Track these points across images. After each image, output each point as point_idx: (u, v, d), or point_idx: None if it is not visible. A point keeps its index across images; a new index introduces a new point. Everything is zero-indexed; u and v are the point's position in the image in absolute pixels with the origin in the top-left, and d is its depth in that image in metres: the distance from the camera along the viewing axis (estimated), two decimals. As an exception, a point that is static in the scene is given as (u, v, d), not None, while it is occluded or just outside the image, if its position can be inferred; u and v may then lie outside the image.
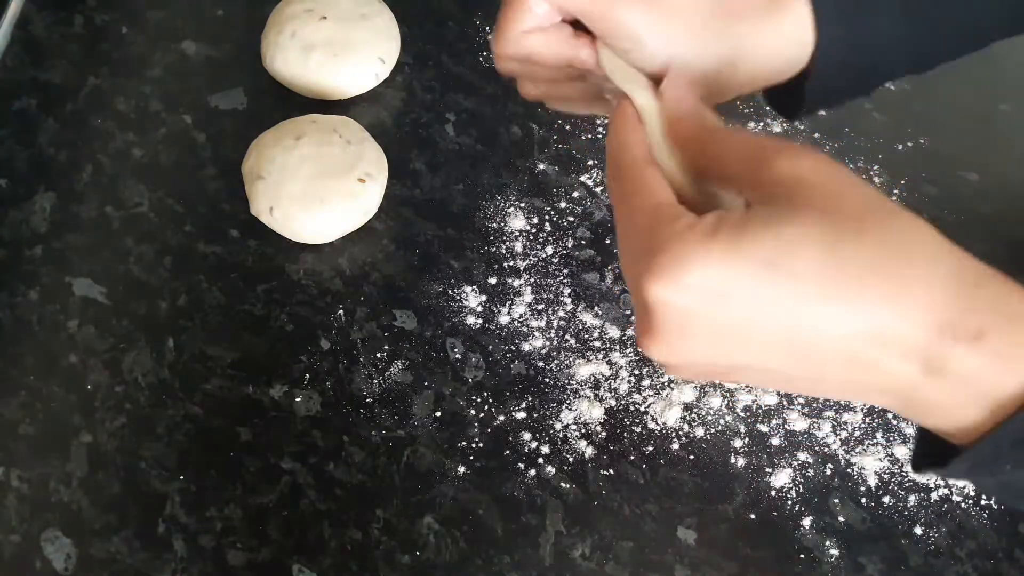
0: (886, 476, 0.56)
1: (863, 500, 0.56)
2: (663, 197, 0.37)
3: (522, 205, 0.64)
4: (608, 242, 0.63)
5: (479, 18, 0.70)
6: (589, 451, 0.57)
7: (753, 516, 0.55)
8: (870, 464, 0.57)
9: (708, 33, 0.42)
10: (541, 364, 0.59)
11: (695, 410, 0.58)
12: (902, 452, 0.57)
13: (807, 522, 0.55)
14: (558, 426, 0.57)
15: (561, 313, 0.61)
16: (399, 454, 0.56)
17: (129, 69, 0.68)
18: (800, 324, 0.34)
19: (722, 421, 0.58)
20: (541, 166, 0.65)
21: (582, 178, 0.66)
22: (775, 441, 0.57)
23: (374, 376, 0.58)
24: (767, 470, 0.56)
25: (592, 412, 0.58)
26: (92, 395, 0.57)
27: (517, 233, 0.63)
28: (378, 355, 0.59)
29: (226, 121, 0.66)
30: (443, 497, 0.55)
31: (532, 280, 0.62)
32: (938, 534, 0.55)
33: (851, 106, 0.67)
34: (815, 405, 0.58)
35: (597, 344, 0.60)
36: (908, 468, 0.56)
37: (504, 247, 0.63)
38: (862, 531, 0.55)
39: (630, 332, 0.60)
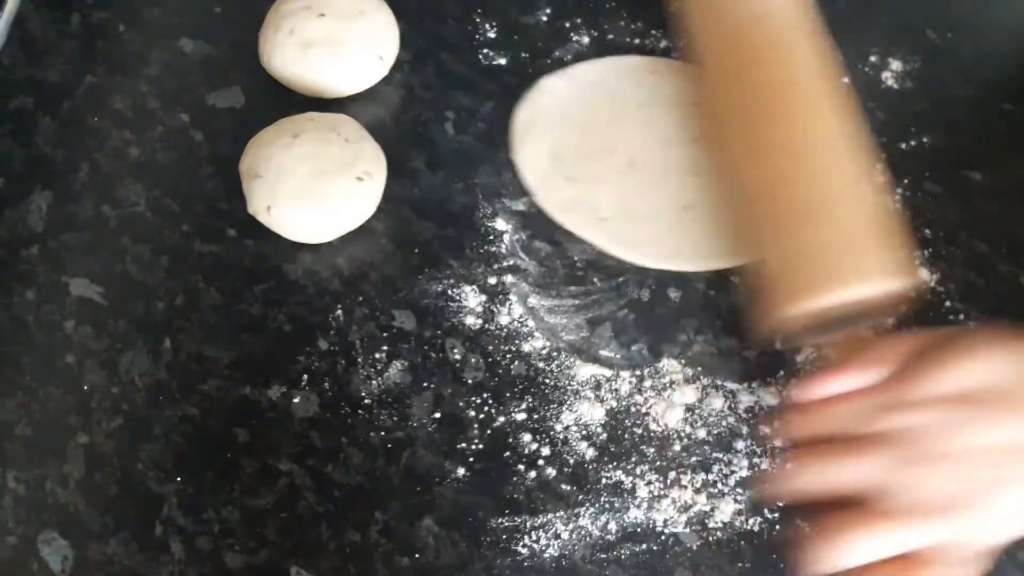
0: (889, 477, 0.56)
1: (866, 502, 0.55)
2: None
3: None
4: (609, 241, 0.63)
5: (479, 15, 0.70)
6: (590, 453, 0.56)
7: (756, 518, 0.55)
8: (873, 465, 0.56)
9: None
10: (541, 365, 0.58)
11: (697, 411, 0.58)
12: (905, 453, 0.57)
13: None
14: (559, 427, 0.57)
15: (561, 313, 0.60)
16: (398, 455, 0.56)
17: (126, 67, 0.67)
18: None
19: (724, 423, 0.57)
20: (541, 165, 0.65)
21: (582, 177, 0.65)
22: (778, 443, 0.57)
23: (373, 377, 0.58)
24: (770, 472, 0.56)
25: (593, 413, 0.57)
26: (89, 396, 0.57)
27: (517, 232, 0.63)
28: (377, 356, 0.58)
29: (223, 119, 0.66)
30: (442, 499, 0.55)
31: (532, 280, 0.61)
32: (941, 536, 0.55)
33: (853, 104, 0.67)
34: (817, 406, 0.58)
35: (598, 344, 0.59)
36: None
37: (504, 247, 0.62)
38: (865, 533, 0.55)
39: (631, 332, 0.60)
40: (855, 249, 0.53)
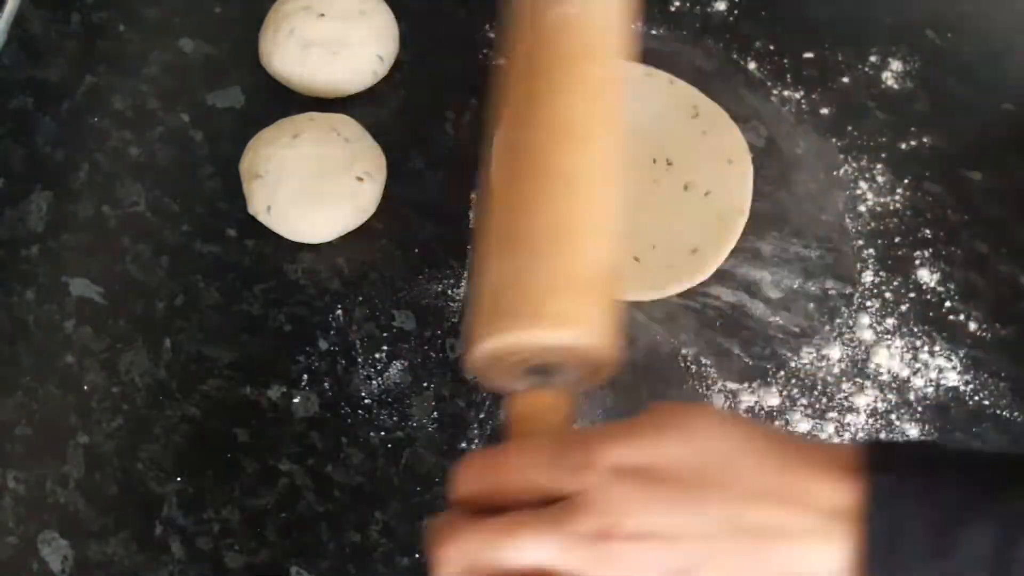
0: (889, 478, 0.56)
1: (866, 502, 0.55)
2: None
3: (522, 204, 0.64)
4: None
5: (479, 16, 0.70)
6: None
7: (755, 518, 0.55)
8: (873, 465, 0.56)
9: None
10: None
11: (696, 411, 0.58)
12: (905, 453, 0.57)
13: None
14: (558, 427, 0.57)
15: (561, 313, 0.60)
16: (398, 455, 0.56)
17: (126, 67, 0.67)
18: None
19: (724, 422, 0.57)
20: (541, 165, 0.65)
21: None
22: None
23: (373, 377, 0.58)
24: (769, 471, 0.56)
25: (593, 412, 0.57)
26: (89, 396, 0.57)
27: (517, 232, 0.63)
28: (377, 355, 0.58)
29: (224, 119, 0.66)
30: (443, 499, 0.55)
31: (532, 280, 0.61)
32: (941, 536, 0.55)
33: (853, 104, 0.67)
34: (818, 407, 0.58)
35: (598, 344, 0.59)
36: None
37: (504, 246, 0.62)
38: (865, 533, 0.55)
39: (631, 332, 0.60)
40: (556, 293, 0.43)
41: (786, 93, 0.67)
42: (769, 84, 0.67)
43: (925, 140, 0.66)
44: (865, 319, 0.60)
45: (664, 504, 0.37)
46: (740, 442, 0.39)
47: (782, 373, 0.59)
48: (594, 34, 0.51)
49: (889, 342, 0.60)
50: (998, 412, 0.58)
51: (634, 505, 0.37)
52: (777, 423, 0.57)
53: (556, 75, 0.50)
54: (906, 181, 0.65)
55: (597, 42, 0.51)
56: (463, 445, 0.56)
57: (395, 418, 0.57)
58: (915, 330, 0.60)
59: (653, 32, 0.69)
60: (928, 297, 0.61)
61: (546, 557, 0.37)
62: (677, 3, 0.71)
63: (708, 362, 0.59)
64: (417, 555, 0.53)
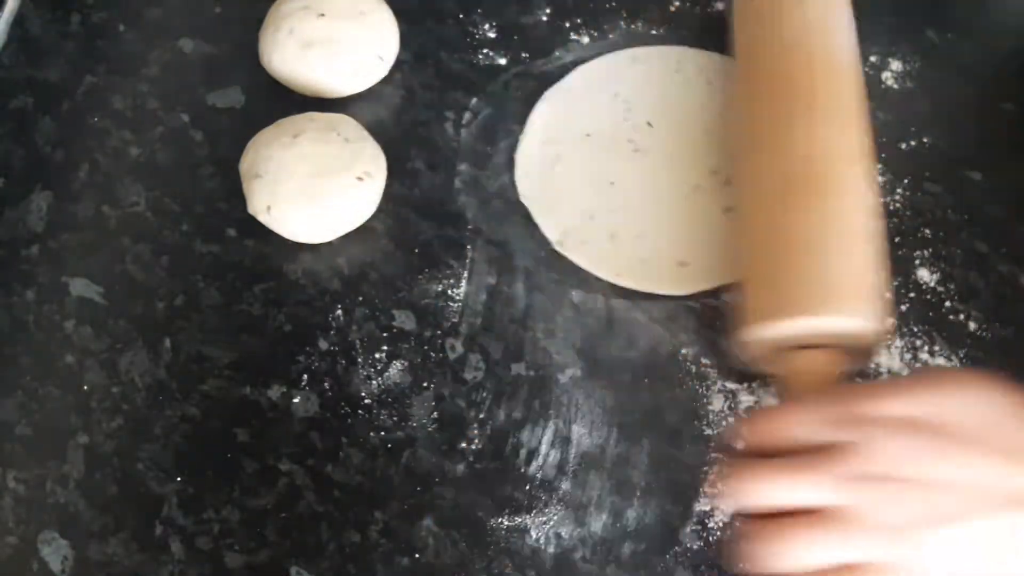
0: (889, 477, 0.56)
1: (866, 502, 0.55)
2: None
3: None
4: (609, 241, 0.63)
5: (478, 15, 0.70)
6: (590, 452, 0.56)
7: (755, 518, 0.55)
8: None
9: None
10: (542, 364, 0.58)
11: (698, 411, 0.58)
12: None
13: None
14: (559, 427, 0.57)
15: (561, 313, 0.60)
16: (398, 455, 0.56)
17: (126, 67, 0.67)
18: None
19: (725, 423, 0.57)
20: (541, 165, 0.65)
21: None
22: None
23: (373, 377, 0.58)
24: (769, 471, 0.56)
25: (594, 412, 0.57)
26: (89, 396, 0.57)
27: (517, 232, 0.63)
28: (377, 356, 0.58)
29: (223, 119, 0.66)
30: (442, 499, 0.55)
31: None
32: (941, 536, 0.55)
33: (854, 104, 0.67)
34: (817, 406, 0.58)
35: (598, 344, 0.59)
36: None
37: (504, 246, 0.62)
38: (865, 533, 0.55)
39: (631, 332, 0.60)
40: (831, 281, 0.51)
41: (786, 93, 0.67)
42: (769, 84, 0.67)
43: (925, 140, 0.66)
44: (865, 319, 0.60)
45: (934, 455, 0.41)
46: (1008, 406, 0.43)
47: (782, 373, 0.59)
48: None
49: (889, 342, 0.60)
50: (998, 412, 0.58)
51: (907, 453, 0.41)
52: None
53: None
54: (906, 181, 0.65)
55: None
56: (463, 445, 0.56)
57: (395, 418, 0.57)
58: (915, 330, 0.60)
59: (653, 32, 0.69)
60: (928, 297, 0.61)
61: (825, 496, 0.42)
62: (677, 3, 0.71)
63: (708, 362, 0.59)
64: (417, 555, 0.53)
